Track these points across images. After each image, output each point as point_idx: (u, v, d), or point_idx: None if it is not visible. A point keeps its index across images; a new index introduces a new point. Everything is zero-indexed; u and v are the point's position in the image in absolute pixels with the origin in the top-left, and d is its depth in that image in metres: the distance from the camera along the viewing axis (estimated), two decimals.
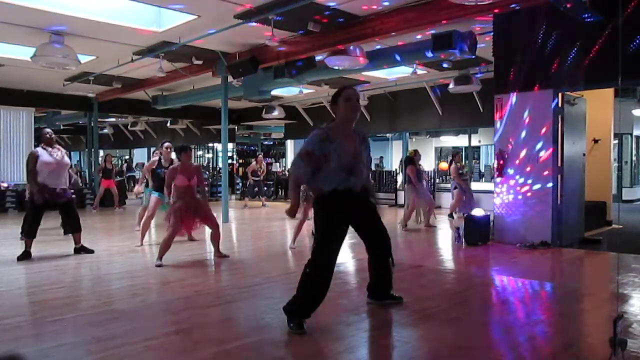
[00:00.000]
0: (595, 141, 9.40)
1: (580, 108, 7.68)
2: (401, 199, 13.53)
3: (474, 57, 8.27)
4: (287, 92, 14.05)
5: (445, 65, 10.12)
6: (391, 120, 14.87)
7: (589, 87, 7.05)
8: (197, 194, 6.17)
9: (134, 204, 14.28)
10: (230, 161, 18.17)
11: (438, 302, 4.31)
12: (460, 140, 17.76)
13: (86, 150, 19.03)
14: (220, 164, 16.77)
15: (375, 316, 3.98)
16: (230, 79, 10.52)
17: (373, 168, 16.04)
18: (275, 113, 14.84)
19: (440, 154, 19.74)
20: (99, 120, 16.62)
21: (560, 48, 6.87)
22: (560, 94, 7.06)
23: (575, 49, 6.73)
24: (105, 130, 21.44)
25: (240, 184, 18.52)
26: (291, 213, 3.69)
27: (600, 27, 6.42)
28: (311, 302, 3.54)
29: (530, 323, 3.83)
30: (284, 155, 22.17)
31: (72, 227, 6.64)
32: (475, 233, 7.24)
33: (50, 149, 6.38)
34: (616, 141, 13.70)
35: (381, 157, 20.35)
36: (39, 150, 6.39)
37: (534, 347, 3.32)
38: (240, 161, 21.72)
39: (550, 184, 7.03)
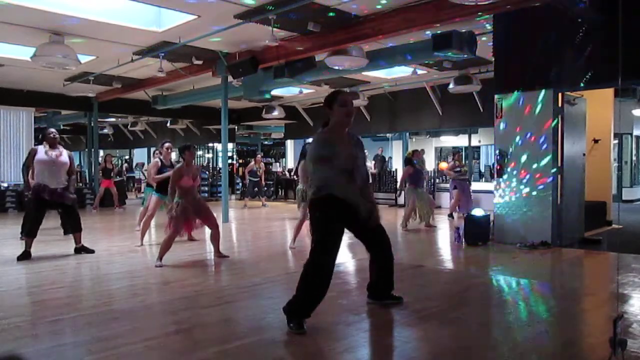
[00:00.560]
0: (595, 141, 9.40)
1: (580, 108, 7.68)
2: (401, 199, 13.52)
3: (474, 57, 8.28)
4: (287, 92, 14.05)
5: (447, 65, 10.13)
6: (391, 120, 14.88)
7: (589, 87, 7.05)
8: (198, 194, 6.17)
9: (134, 204, 14.29)
10: (230, 161, 18.17)
11: (438, 302, 4.31)
12: (460, 140, 17.76)
13: (86, 150, 19.03)
14: (220, 164, 16.78)
15: (375, 316, 3.98)
16: (230, 79, 10.52)
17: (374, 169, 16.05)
18: (275, 113, 14.85)
19: (440, 154, 19.74)
20: (99, 120, 16.62)
21: (560, 48, 6.87)
22: (560, 94, 7.06)
23: (575, 49, 6.73)
24: (105, 130, 21.45)
25: (240, 184, 18.53)
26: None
27: (600, 27, 6.42)
28: (311, 302, 3.54)
29: (530, 323, 3.83)
30: (284, 155, 22.18)
31: (72, 227, 6.64)
32: (475, 233, 7.24)
33: (51, 149, 6.36)
34: (616, 141, 13.69)
35: (389, 158, 19.90)
36: (39, 147, 6.39)
37: (534, 347, 3.32)
38: (240, 161, 21.72)
39: (550, 184, 7.03)
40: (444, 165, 13.30)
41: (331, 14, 7.42)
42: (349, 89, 12.65)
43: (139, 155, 25.37)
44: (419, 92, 13.49)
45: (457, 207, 10.84)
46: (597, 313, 4.20)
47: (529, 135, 7.19)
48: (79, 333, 3.60)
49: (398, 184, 14.38)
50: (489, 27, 7.82)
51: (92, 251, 6.64)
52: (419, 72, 11.01)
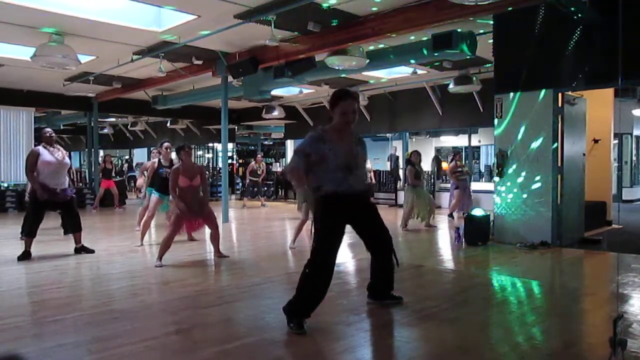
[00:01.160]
0: (595, 141, 9.40)
1: (580, 108, 7.68)
2: (401, 199, 13.53)
3: (473, 57, 8.28)
4: (287, 92, 14.05)
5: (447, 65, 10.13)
6: (391, 120, 14.87)
7: (589, 87, 7.05)
8: (199, 194, 6.15)
9: (134, 204, 14.28)
10: (230, 161, 18.17)
11: (438, 302, 4.31)
12: (460, 140, 17.74)
13: (86, 150, 19.03)
14: (220, 164, 16.78)
15: (375, 316, 3.98)
16: (230, 79, 10.52)
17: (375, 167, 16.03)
18: (275, 113, 14.84)
19: (440, 154, 19.73)
20: (99, 120, 16.62)
21: (560, 48, 6.87)
22: (560, 94, 7.06)
23: (575, 48, 6.73)
24: (105, 130, 21.45)
25: (240, 184, 18.53)
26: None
27: (600, 27, 6.42)
28: (311, 302, 3.55)
29: (530, 323, 3.84)
30: (284, 155, 22.17)
31: (72, 226, 6.64)
32: (475, 233, 7.24)
33: (51, 148, 6.36)
34: (616, 141, 13.69)
35: (397, 157, 19.22)
36: (40, 148, 6.36)
37: (534, 347, 3.32)
38: (240, 161, 21.71)
39: (550, 184, 7.03)
40: (444, 165, 13.31)
41: (334, 22, 7.46)
42: (349, 89, 12.62)
43: (139, 155, 25.36)
44: (419, 92, 13.48)
45: (457, 208, 10.83)
46: (597, 313, 4.20)
47: (528, 135, 7.19)
48: (79, 333, 3.60)
49: (400, 183, 14.45)
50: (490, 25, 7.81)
51: (92, 251, 6.64)
52: (419, 72, 11.00)
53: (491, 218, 7.58)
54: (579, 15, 6.44)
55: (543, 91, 7.04)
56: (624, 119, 13.95)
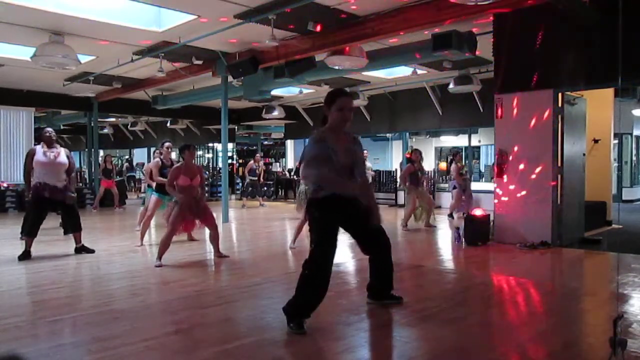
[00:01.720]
0: (595, 141, 9.40)
1: (580, 108, 7.68)
2: (401, 199, 13.54)
3: (474, 57, 8.29)
4: (287, 92, 14.05)
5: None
6: (391, 120, 14.88)
7: (589, 87, 7.05)
8: (198, 194, 6.16)
9: (134, 204, 14.29)
10: (230, 161, 18.18)
11: (438, 302, 4.31)
12: (460, 140, 17.75)
13: (86, 150, 19.03)
14: (220, 164, 16.78)
15: (375, 316, 3.98)
16: (230, 79, 10.52)
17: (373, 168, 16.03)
18: (275, 113, 14.84)
19: (440, 154, 19.74)
20: (99, 120, 16.62)
21: (560, 48, 6.87)
22: (560, 94, 7.06)
23: (575, 48, 6.73)
24: (105, 130, 21.45)
25: (240, 184, 18.53)
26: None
27: (600, 27, 6.42)
28: (311, 302, 3.54)
29: (530, 323, 3.84)
30: (284, 155, 22.18)
31: (72, 226, 6.64)
32: (475, 233, 7.24)
33: (47, 148, 6.36)
34: (616, 141, 13.70)
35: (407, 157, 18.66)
36: (37, 148, 6.38)
37: (534, 347, 3.32)
38: (240, 161, 21.71)
39: (550, 184, 7.03)
40: (443, 165, 13.30)
41: (329, 12, 7.40)
42: (349, 89, 12.64)
43: (139, 155, 25.37)
44: (419, 92, 13.49)
45: (457, 207, 10.84)
46: (597, 313, 4.20)
47: (528, 135, 7.19)
48: (79, 333, 3.61)
49: (398, 182, 14.45)
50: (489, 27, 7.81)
51: (92, 251, 6.64)
52: (419, 72, 11.00)
53: (491, 218, 7.58)
54: (579, 15, 6.44)
55: (543, 91, 7.04)
56: (624, 119, 13.95)
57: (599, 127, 9.24)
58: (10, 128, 13.88)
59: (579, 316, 4.16)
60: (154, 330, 3.64)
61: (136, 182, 21.19)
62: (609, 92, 9.40)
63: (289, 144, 20.57)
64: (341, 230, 3.71)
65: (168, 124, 18.48)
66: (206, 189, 15.79)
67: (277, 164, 21.27)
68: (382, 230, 3.94)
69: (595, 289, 5.17)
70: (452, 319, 3.83)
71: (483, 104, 12.22)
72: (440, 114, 13.57)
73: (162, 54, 9.47)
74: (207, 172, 17.96)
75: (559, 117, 7.07)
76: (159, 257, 5.87)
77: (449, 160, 14.47)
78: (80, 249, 6.61)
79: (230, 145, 19.55)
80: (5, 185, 13.25)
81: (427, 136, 18.88)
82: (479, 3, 5.90)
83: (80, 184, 15.90)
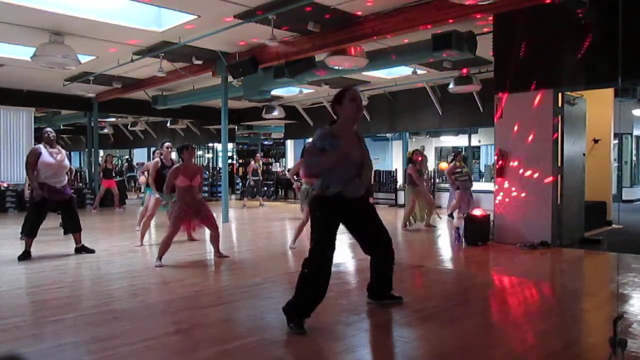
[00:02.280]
0: (595, 141, 9.40)
1: (580, 108, 7.68)
2: (401, 199, 13.53)
3: (474, 57, 8.29)
4: (287, 92, 14.05)
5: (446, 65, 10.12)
6: (391, 120, 14.88)
7: (589, 87, 7.04)
8: (198, 194, 6.16)
9: (134, 204, 14.29)
10: (230, 161, 18.18)
11: (438, 302, 4.31)
12: (460, 140, 17.75)
13: (86, 150, 19.04)
14: (220, 164, 16.78)
15: (375, 316, 3.98)
16: (230, 79, 10.51)
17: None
18: (275, 113, 14.84)
19: (440, 154, 19.73)
20: (99, 120, 16.62)
21: (560, 48, 6.87)
22: (560, 94, 7.06)
23: (575, 48, 6.73)
24: (105, 130, 21.45)
25: (240, 184, 18.53)
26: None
27: (600, 27, 6.42)
28: (311, 301, 3.55)
29: (530, 323, 3.84)
30: (284, 155, 22.18)
31: (72, 226, 6.64)
32: (475, 233, 7.24)
33: (51, 149, 6.36)
34: (616, 141, 13.70)
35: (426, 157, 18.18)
36: (41, 148, 6.35)
37: (534, 347, 3.32)
38: (240, 161, 21.71)
39: (550, 184, 7.03)
40: (444, 165, 13.27)
41: (329, 12, 7.40)
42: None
43: (139, 155, 25.36)
44: (419, 92, 13.49)
45: (458, 208, 10.82)
46: (597, 313, 4.20)
47: (529, 135, 7.19)
48: (79, 333, 3.60)
49: (399, 183, 14.44)
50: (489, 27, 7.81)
51: (93, 251, 6.64)
52: (419, 72, 11.00)
53: (491, 218, 7.58)
54: (579, 15, 6.44)
55: (543, 91, 7.04)
56: (624, 119, 13.95)
57: (599, 127, 9.24)
58: (10, 128, 13.88)
59: (579, 316, 4.16)
60: (154, 330, 3.64)
61: (136, 182, 21.17)
62: (609, 92, 9.40)
63: (289, 144, 20.56)
64: (341, 230, 3.71)
65: (168, 124, 18.48)
66: (205, 188, 15.92)
67: (277, 164, 21.27)
68: (385, 230, 3.94)
69: (595, 289, 5.17)
70: (452, 319, 3.83)
71: (483, 104, 12.22)
72: (440, 114, 13.57)
73: (162, 54, 9.47)
74: (207, 172, 17.95)
75: (559, 117, 7.07)
76: (159, 257, 5.87)
77: (449, 160, 14.43)
78: (80, 249, 6.61)
79: (230, 145, 19.55)
80: (5, 185, 13.25)
81: (427, 136, 18.88)
82: (479, 3, 5.90)
83: (80, 184, 15.90)
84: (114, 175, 13.64)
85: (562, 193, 7.12)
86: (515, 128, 7.31)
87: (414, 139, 18.29)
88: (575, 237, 7.41)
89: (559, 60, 6.90)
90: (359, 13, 7.48)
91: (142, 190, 8.74)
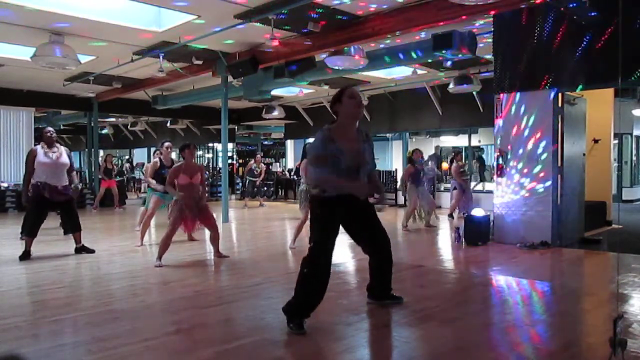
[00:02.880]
0: (595, 141, 9.40)
1: (580, 108, 7.68)
2: (401, 199, 13.53)
3: (473, 57, 8.28)
4: (287, 92, 14.05)
5: (448, 64, 10.12)
6: (391, 120, 14.88)
7: (589, 87, 7.05)
8: (198, 193, 6.15)
9: (134, 204, 14.29)
10: (230, 161, 18.18)
11: (438, 302, 4.31)
12: (460, 140, 17.75)
13: (86, 150, 19.03)
14: (220, 164, 16.78)
15: (375, 316, 3.98)
16: (230, 79, 10.51)
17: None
18: (275, 113, 14.84)
19: (440, 154, 19.72)
20: (99, 120, 16.62)
21: (560, 48, 6.87)
22: (560, 94, 7.06)
23: (576, 48, 6.73)
24: (105, 130, 21.44)
25: (240, 184, 18.53)
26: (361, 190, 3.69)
27: (600, 27, 6.42)
28: (310, 301, 3.55)
29: (530, 323, 3.83)
30: (284, 155, 22.18)
31: (72, 226, 6.64)
32: (475, 233, 7.24)
33: (48, 148, 6.35)
34: (616, 141, 13.69)
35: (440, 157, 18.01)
36: (38, 148, 6.36)
37: (534, 347, 3.32)
38: (240, 161, 21.72)
39: (550, 184, 7.03)
40: (445, 165, 13.27)
41: (329, 12, 7.40)
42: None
43: (139, 155, 25.37)
44: (419, 92, 13.49)
45: (457, 208, 10.83)
46: (597, 313, 4.20)
47: (529, 135, 7.19)
48: (79, 333, 3.61)
49: (398, 183, 14.43)
50: (489, 27, 7.81)
51: (93, 251, 6.64)
52: (419, 72, 11.00)
53: (491, 218, 7.58)
54: (579, 15, 6.44)
55: (543, 91, 7.04)
56: (624, 119, 13.94)
57: (599, 127, 9.24)
58: (10, 128, 13.88)
59: (579, 316, 4.16)
60: (154, 330, 3.64)
61: (136, 182, 21.18)
62: (609, 92, 9.40)
63: (289, 144, 20.56)
64: (341, 230, 3.71)
65: (168, 124, 18.48)
66: (207, 188, 15.93)
67: (277, 164, 21.27)
68: (383, 230, 3.94)
69: (595, 289, 5.17)
70: (452, 319, 3.83)
71: (483, 104, 12.22)
72: (440, 114, 13.57)
73: (162, 54, 9.47)
74: (207, 172, 17.94)
75: (559, 117, 7.07)
76: (159, 257, 5.87)
77: (449, 160, 14.42)
78: (80, 249, 6.61)
79: (230, 145, 19.55)
80: (5, 185, 13.26)
81: (427, 136, 18.88)
82: (479, 3, 5.90)
83: (80, 184, 15.89)
84: (114, 175, 13.65)
85: (562, 193, 7.12)
86: (515, 128, 7.31)
87: (414, 139, 18.29)
88: (575, 237, 7.41)
89: (559, 60, 6.89)
90: (359, 13, 7.48)
91: (143, 191, 8.74)
